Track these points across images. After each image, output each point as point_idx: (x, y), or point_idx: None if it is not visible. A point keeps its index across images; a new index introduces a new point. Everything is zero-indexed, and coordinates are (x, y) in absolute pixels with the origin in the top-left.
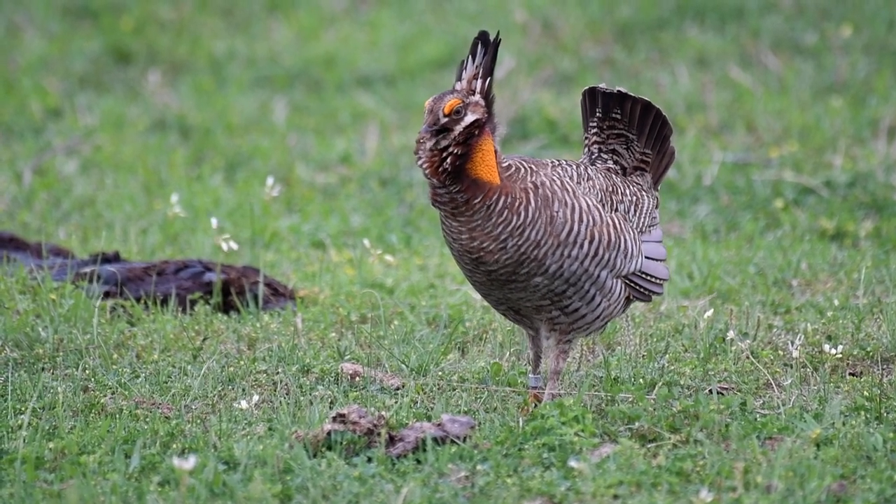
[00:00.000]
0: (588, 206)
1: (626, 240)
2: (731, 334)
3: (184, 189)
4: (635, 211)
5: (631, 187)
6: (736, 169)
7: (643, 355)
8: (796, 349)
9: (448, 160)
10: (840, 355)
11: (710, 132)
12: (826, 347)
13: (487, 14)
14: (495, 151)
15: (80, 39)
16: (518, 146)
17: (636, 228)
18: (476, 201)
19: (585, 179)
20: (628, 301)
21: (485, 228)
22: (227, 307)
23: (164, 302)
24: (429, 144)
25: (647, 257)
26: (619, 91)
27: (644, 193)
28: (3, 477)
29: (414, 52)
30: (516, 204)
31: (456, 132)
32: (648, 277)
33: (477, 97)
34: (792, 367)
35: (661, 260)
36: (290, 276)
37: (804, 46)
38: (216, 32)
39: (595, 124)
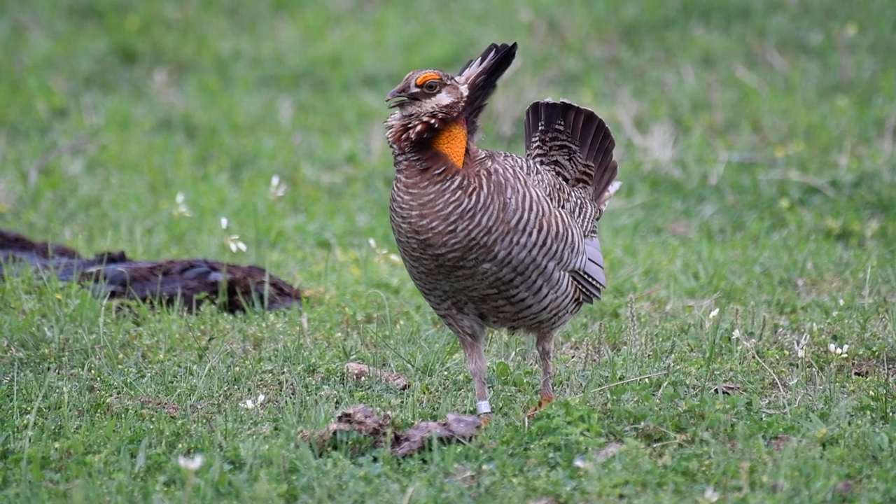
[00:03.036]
0: (538, 196)
1: (573, 234)
2: (736, 334)
3: (189, 189)
4: (580, 213)
5: (575, 191)
6: (741, 168)
7: (649, 355)
8: (802, 349)
9: (416, 129)
10: (846, 355)
11: (715, 132)
12: (832, 347)
13: (493, 14)
14: (467, 148)
15: (85, 39)
16: (523, 146)
17: (580, 229)
18: (436, 172)
19: (535, 173)
20: (578, 302)
21: (435, 205)
22: (232, 307)
23: (170, 302)
24: (399, 113)
25: (589, 259)
26: (562, 102)
27: (587, 202)
28: (8, 477)
29: (419, 52)
30: (471, 188)
31: (426, 107)
32: (589, 279)
33: (463, 88)
34: (797, 367)
35: (600, 266)
36: (295, 275)
37: (810, 46)
38: (222, 32)
39: (537, 137)
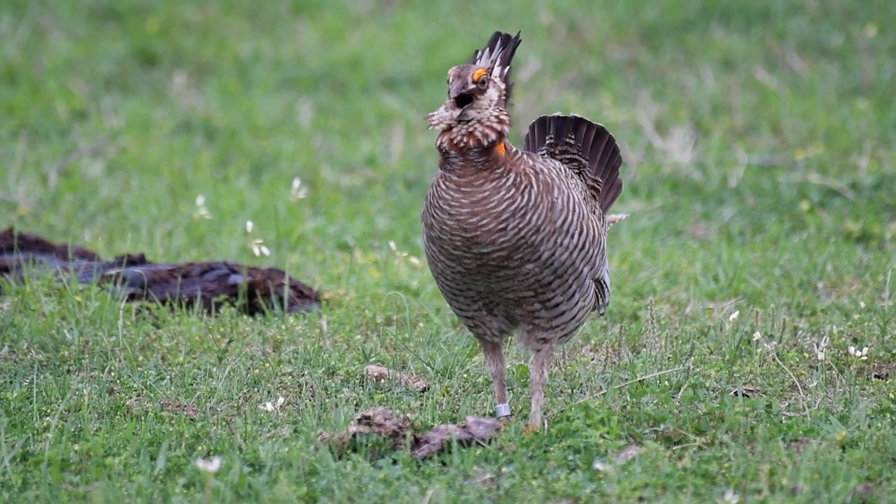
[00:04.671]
0: (578, 199)
1: (604, 240)
2: (756, 336)
3: (209, 191)
4: (602, 223)
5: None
6: (761, 171)
7: (669, 357)
8: (822, 351)
9: (489, 137)
10: (866, 357)
11: (735, 134)
12: (852, 350)
13: (513, 16)
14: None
15: (105, 41)
16: None
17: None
18: (497, 170)
19: (569, 177)
20: (597, 310)
21: (489, 203)
22: (252, 309)
23: (190, 304)
24: (444, 112)
25: (606, 270)
26: (574, 116)
27: (602, 214)
28: (29, 479)
29: (439, 54)
30: (523, 185)
31: (485, 107)
32: (606, 290)
33: (499, 81)
34: (817, 370)
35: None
36: (315, 278)
37: (830, 48)
38: (242, 34)
39: (544, 151)
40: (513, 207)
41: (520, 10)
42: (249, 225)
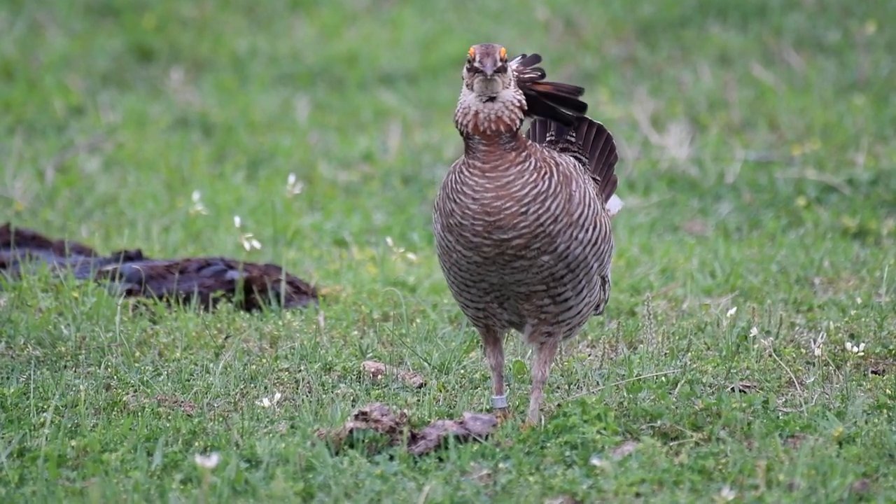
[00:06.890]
0: (592, 195)
1: (613, 238)
2: (753, 332)
3: (206, 187)
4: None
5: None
6: (758, 167)
7: (665, 353)
8: (819, 347)
9: (515, 122)
10: (862, 353)
11: (732, 130)
12: (848, 345)
13: (510, 12)
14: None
15: (102, 37)
16: None
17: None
18: (522, 153)
19: (582, 173)
20: (596, 308)
21: (512, 187)
22: (249, 305)
23: (187, 300)
24: (472, 97)
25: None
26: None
27: None
28: (25, 475)
29: (436, 50)
30: (543, 171)
31: (508, 90)
32: (608, 287)
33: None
34: (814, 366)
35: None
36: (312, 274)
37: (827, 44)
38: (238, 30)
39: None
40: (535, 192)
41: (516, 6)
42: (237, 220)
